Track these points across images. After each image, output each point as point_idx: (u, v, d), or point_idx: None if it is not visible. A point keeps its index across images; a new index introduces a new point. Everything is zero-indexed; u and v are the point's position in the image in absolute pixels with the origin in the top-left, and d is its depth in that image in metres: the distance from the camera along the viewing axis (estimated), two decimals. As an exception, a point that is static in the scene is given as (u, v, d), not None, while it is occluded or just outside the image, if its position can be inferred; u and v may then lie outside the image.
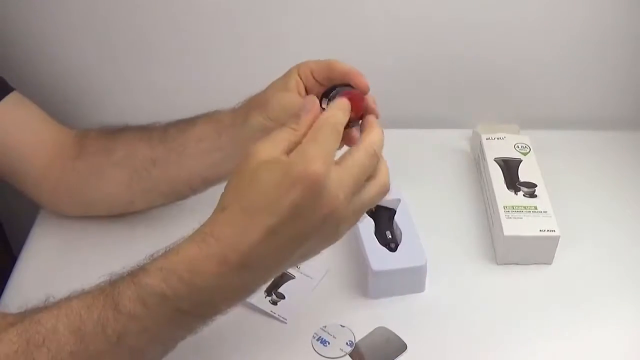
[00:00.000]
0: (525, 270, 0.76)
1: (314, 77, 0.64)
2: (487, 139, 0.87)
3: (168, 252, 0.53)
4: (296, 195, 0.49)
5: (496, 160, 0.84)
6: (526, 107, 0.97)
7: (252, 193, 0.50)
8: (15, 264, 0.78)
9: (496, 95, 0.96)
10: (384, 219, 0.77)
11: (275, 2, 0.87)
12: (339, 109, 0.54)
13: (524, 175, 0.81)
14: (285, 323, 0.71)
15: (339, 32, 0.90)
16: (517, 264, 0.77)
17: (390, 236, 0.76)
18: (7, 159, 0.75)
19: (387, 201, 0.78)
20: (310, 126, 0.53)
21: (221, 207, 0.52)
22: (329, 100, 0.57)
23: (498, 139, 0.87)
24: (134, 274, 0.53)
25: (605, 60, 0.93)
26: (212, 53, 0.92)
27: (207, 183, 0.74)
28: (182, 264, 0.52)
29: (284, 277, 0.74)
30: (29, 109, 0.78)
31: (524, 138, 0.87)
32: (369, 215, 0.77)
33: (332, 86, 0.60)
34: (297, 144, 0.51)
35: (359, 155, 0.52)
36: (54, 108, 0.81)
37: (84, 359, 0.53)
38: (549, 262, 0.77)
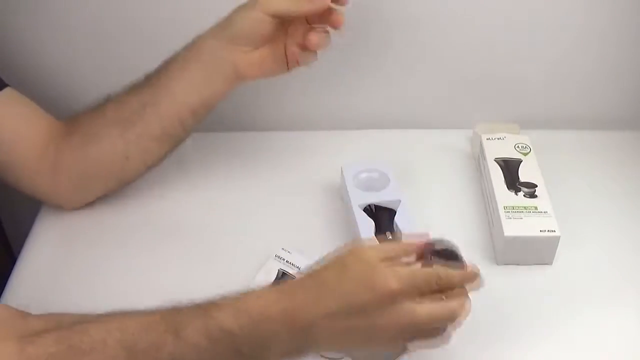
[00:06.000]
0: (526, 270, 0.76)
1: None
2: (487, 139, 0.87)
3: (244, 294, 0.56)
4: (367, 298, 0.54)
5: (496, 160, 0.84)
6: (526, 107, 0.97)
7: (336, 276, 0.55)
8: (15, 264, 0.78)
9: (496, 95, 0.96)
10: (385, 220, 0.77)
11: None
12: (454, 272, 0.59)
13: (524, 175, 0.81)
14: (286, 323, 0.70)
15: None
16: (517, 264, 0.77)
17: (390, 237, 0.76)
18: (2, 154, 0.76)
19: (387, 202, 0.78)
20: (414, 250, 0.60)
21: (308, 272, 0.57)
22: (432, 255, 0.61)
23: (498, 139, 0.87)
24: (204, 307, 0.55)
25: (605, 60, 0.93)
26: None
27: (195, 115, 0.77)
28: (256, 306, 0.55)
29: (285, 277, 0.74)
30: (24, 103, 0.78)
31: (524, 138, 0.87)
32: (369, 216, 0.77)
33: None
34: (393, 257, 0.57)
35: (427, 271, 0.58)
36: (45, 104, 0.81)
37: None
38: (549, 262, 0.77)
